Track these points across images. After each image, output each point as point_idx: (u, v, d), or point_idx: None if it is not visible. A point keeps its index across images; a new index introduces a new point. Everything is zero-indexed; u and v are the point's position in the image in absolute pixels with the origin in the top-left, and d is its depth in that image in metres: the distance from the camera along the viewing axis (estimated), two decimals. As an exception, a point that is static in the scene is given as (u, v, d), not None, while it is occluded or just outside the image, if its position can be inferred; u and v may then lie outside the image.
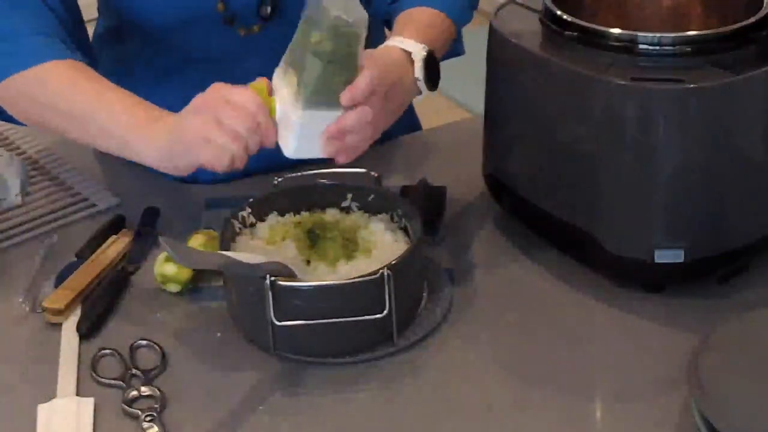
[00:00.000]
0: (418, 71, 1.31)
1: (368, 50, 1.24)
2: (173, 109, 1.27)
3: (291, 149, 1.22)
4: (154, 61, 1.53)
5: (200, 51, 1.50)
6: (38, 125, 1.41)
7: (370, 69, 1.20)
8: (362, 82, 1.19)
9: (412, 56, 1.31)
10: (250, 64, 1.50)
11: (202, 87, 1.28)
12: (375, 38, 1.40)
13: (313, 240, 1.30)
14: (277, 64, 1.24)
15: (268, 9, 1.47)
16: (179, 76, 1.52)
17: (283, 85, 1.21)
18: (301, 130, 1.20)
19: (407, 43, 1.31)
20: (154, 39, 1.50)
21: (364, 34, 1.16)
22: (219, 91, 1.21)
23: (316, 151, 1.22)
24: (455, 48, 1.50)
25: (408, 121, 1.70)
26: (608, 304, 1.30)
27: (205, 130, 1.19)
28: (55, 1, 1.38)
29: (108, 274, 1.37)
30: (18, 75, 1.33)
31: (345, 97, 1.19)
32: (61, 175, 1.61)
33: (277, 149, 1.23)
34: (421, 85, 1.31)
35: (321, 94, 1.19)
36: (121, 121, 1.28)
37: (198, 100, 1.23)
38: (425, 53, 1.31)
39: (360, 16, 1.15)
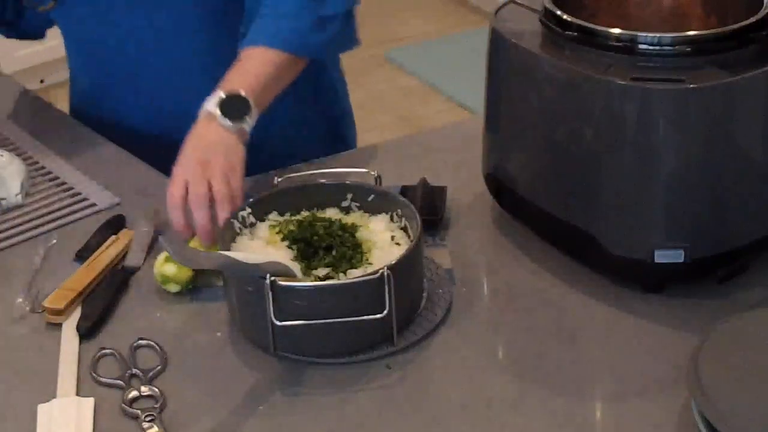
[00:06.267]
0: (215, 112, 1.38)
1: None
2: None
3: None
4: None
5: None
6: None
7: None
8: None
9: (208, 108, 1.39)
10: None
11: None
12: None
13: (313, 240, 1.30)
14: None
15: None
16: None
17: None
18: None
19: (210, 101, 1.39)
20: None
21: None
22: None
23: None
24: (344, 42, 1.55)
25: (331, 140, 1.74)
26: (608, 304, 1.30)
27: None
28: None
29: (108, 274, 1.37)
30: None
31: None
32: (61, 175, 1.61)
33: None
34: (224, 121, 1.38)
35: None
36: None
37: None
38: (223, 97, 1.39)
39: None
